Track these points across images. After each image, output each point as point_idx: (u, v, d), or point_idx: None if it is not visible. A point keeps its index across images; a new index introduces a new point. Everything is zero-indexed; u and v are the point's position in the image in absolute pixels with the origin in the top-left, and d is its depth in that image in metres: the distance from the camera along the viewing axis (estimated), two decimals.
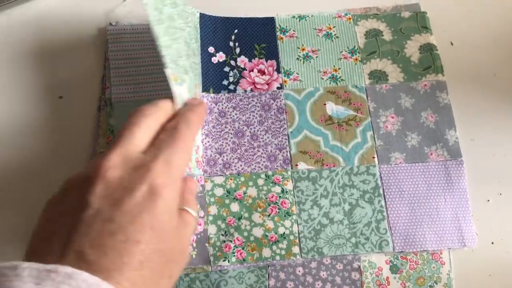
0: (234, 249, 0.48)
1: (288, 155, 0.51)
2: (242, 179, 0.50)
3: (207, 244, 0.47)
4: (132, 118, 0.35)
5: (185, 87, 0.41)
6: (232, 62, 0.55)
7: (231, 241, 0.48)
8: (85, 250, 0.29)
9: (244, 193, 0.50)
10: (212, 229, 0.48)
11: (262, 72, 0.55)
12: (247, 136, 0.52)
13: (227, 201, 0.49)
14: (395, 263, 0.49)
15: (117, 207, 0.30)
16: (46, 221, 0.32)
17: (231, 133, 0.52)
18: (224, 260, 0.47)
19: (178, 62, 0.43)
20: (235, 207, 0.49)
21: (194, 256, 0.46)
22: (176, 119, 0.36)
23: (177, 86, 0.40)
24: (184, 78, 0.42)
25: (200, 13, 0.55)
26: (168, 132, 0.35)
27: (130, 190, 0.31)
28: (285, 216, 0.49)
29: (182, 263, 0.34)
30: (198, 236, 0.47)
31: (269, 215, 0.49)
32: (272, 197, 0.50)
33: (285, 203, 0.50)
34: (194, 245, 0.47)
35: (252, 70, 0.54)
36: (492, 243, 0.50)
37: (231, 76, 0.54)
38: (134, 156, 0.33)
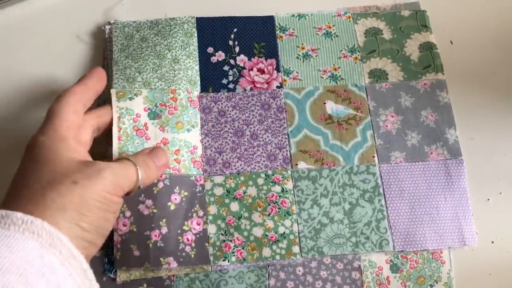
0: (234, 248, 0.47)
1: (288, 154, 0.51)
2: (242, 178, 0.50)
3: (206, 244, 0.47)
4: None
5: (138, 100, 0.49)
6: (232, 61, 0.54)
7: (231, 240, 0.48)
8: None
9: (244, 192, 0.50)
10: (211, 229, 0.48)
11: (261, 71, 0.54)
12: (247, 135, 0.52)
13: (226, 201, 0.49)
14: (395, 262, 0.49)
15: (18, 170, 0.40)
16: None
17: (231, 132, 0.52)
18: (224, 260, 0.47)
19: (136, 79, 0.51)
20: (234, 206, 0.49)
21: (193, 255, 0.46)
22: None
23: (123, 101, 0.49)
24: (138, 92, 0.50)
25: (197, 18, 0.55)
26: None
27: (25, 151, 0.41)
28: (285, 215, 0.49)
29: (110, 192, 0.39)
30: (197, 235, 0.47)
31: (269, 215, 0.49)
32: (272, 196, 0.50)
33: (285, 203, 0.50)
34: (193, 245, 0.47)
35: (252, 69, 0.54)
36: (492, 242, 0.50)
37: (230, 75, 0.54)
38: None
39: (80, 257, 0.34)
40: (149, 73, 0.51)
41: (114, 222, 0.40)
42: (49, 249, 0.32)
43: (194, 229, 0.47)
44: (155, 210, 0.46)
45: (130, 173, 0.41)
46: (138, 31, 0.53)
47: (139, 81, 0.51)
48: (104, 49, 0.54)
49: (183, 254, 0.46)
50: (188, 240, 0.46)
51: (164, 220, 0.46)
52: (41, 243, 0.32)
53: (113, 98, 0.49)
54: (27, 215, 0.32)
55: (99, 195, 0.37)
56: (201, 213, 0.48)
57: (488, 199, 0.51)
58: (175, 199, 0.47)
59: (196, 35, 0.55)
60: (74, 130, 0.42)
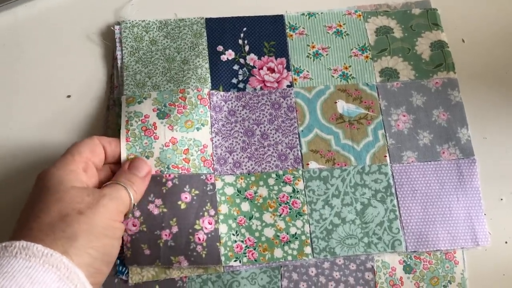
0: (245, 249, 0.47)
1: (299, 154, 0.51)
2: (253, 178, 0.50)
3: (217, 244, 0.47)
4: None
5: (147, 102, 0.49)
6: (241, 60, 0.54)
7: (242, 241, 0.47)
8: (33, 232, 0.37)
9: (255, 192, 0.49)
10: (223, 229, 0.48)
11: (271, 70, 0.54)
12: (257, 135, 0.51)
13: (237, 200, 0.49)
14: (408, 263, 0.48)
15: (28, 201, 0.41)
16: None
17: (241, 132, 0.51)
18: (235, 261, 0.47)
19: (146, 83, 0.51)
20: (245, 206, 0.49)
21: (204, 255, 0.46)
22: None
23: (132, 106, 0.49)
24: (147, 95, 0.50)
25: (206, 19, 0.55)
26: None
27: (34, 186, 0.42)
28: (296, 216, 0.49)
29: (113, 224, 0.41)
30: (209, 235, 0.47)
31: (280, 215, 0.49)
32: (283, 197, 0.49)
33: (296, 203, 0.49)
34: (204, 244, 0.46)
35: (262, 68, 0.54)
36: (506, 242, 0.50)
37: (240, 75, 0.54)
38: None
39: None
40: (158, 77, 0.51)
41: (118, 249, 0.42)
42: (66, 282, 0.33)
43: (206, 228, 0.47)
44: (164, 210, 0.46)
45: (123, 195, 0.43)
46: (147, 32, 0.53)
47: (148, 86, 0.51)
48: (113, 49, 0.54)
49: (194, 253, 0.46)
50: (199, 239, 0.46)
51: (174, 219, 0.46)
52: (60, 276, 0.33)
53: (123, 105, 0.49)
54: (47, 248, 0.34)
55: (104, 222, 0.39)
56: (212, 212, 0.48)
57: (502, 199, 0.51)
58: (186, 197, 0.47)
59: (205, 35, 0.54)
60: (85, 164, 0.43)
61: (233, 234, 0.48)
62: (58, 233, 0.36)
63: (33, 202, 0.39)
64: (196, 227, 0.46)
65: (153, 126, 0.48)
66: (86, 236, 0.37)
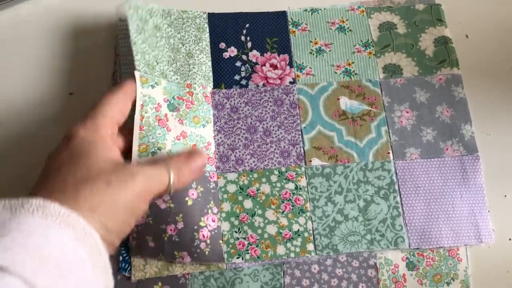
0: (248, 246, 0.47)
1: (302, 151, 0.51)
2: (255, 175, 0.50)
3: (220, 241, 0.47)
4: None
5: (158, 89, 0.48)
6: (244, 57, 0.54)
7: (244, 238, 0.47)
8: (50, 190, 0.36)
9: (257, 189, 0.49)
10: (225, 226, 0.48)
11: (274, 67, 0.54)
12: (260, 131, 0.51)
13: (240, 198, 0.49)
14: (411, 260, 0.48)
15: (60, 158, 0.39)
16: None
17: (244, 129, 0.51)
18: (238, 258, 0.47)
19: (155, 67, 0.49)
20: (248, 203, 0.49)
21: (207, 252, 0.46)
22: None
23: (146, 88, 0.47)
24: (158, 81, 0.48)
25: (209, 13, 0.55)
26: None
27: (61, 144, 0.41)
28: (299, 213, 0.49)
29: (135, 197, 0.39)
30: (212, 232, 0.47)
31: (282, 212, 0.49)
32: (285, 194, 0.49)
33: (298, 200, 0.49)
34: (208, 241, 0.46)
35: (264, 65, 0.54)
36: (510, 239, 0.50)
37: (242, 71, 0.53)
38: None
39: (104, 254, 0.34)
40: (165, 65, 0.50)
41: (133, 227, 0.40)
42: (81, 243, 0.32)
43: (210, 225, 0.47)
44: (172, 205, 0.46)
45: (162, 179, 0.40)
46: (151, 16, 0.51)
47: (157, 71, 0.49)
48: (115, 46, 0.54)
49: (198, 250, 0.46)
50: (204, 236, 0.46)
51: (180, 215, 0.46)
52: (76, 236, 0.32)
53: (138, 83, 0.46)
54: (63, 207, 0.33)
55: (128, 199, 0.37)
56: (215, 210, 0.48)
57: (505, 196, 0.51)
58: (192, 194, 0.47)
59: (208, 30, 0.54)
60: (113, 130, 0.42)
61: (236, 232, 0.48)
62: (80, 200, 0.35)
63: (59, 162, 0.38)
64: (201, 224, 0.46)
65: (165, 117, 0.47)
66: (108, 209, 0.36)
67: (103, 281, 0.34)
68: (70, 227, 0.32)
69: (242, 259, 0.47)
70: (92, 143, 0.39)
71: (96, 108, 0.42)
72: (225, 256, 0.47)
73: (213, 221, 0.47)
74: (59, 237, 0.31)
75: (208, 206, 0.47)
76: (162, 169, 0.40)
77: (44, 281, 0.29)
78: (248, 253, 0.47)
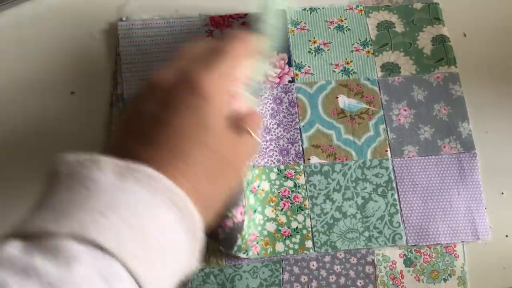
0: (252, 243, 0.48)
1: (300, 149, 0.51)
2: (257, 171, 0.50)
3: (238, 234, 0.45)
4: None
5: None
6: None
7: (251, 234, 0.48)
8: (149, 152, 0.30)
9: (258, 186, 0.50)
10: (246, 220, 0.46)
11: (273, 66, 0.54)
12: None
13: (247, 193, 0.49)
14: (409, 256, 0.49)
15: (168, 109, 0.32)
16: (122, 123, 0.34)
17: None
18: (244, 253, 0.47)
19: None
20: (251, 200, 0.49)
21: (221, 239, 0.45)
22: (225, 43, 0.37)
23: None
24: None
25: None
26: (215, 51, 0.36)
27: (175, 91, 0.32)
28: (297, 210, 0.49)
29: (236, 174, 0.35)
30: (237, 225, 0.45)
31: (281, 210, 0.49)
32: (284, 191, 0.50)
33: (297, 198, 0.50)
34: (227, 230, 0.44)
35: None
36: (507, 236, 0.50)
37: None
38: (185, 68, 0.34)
39: (200, 240, 0.31)
40: None
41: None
42: (184, 226, 0.29)
43: (236, 217, 0.45)
44: None
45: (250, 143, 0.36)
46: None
47: None
48: (116, 45, 0.54)
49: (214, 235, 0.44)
50: (226, 225, 0.44)
51: None
52: (180, 219, 0.28)
53: None
54: (173, 183, 0.28)
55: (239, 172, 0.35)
56: (244, 202, 0.46)
57: (502, 193, 0.51)
58: None
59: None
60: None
61: (249, 227, 0.47)
62: (188, 172, 0.30)
63: (178, 114, 0.31)
64: (229, 214, 0.44)
65: None
66: (217, 189, 0.32)
67: (194, 267, 0.31)
68: (177, 207, 0.28)
69: (247, 254, 0.47)
70: (222, 107, 0.34)
71: (228, 61, 0.35)
72: (236, 248, 0.45)
73: (241, 214, 0.45)
74: (166, 220, 0.28)
75: (240, 198, 0.45)
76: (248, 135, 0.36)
77: (147, 273, 0.26)
78: (251, 249, 0.47)
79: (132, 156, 0.29)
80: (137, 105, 0.33)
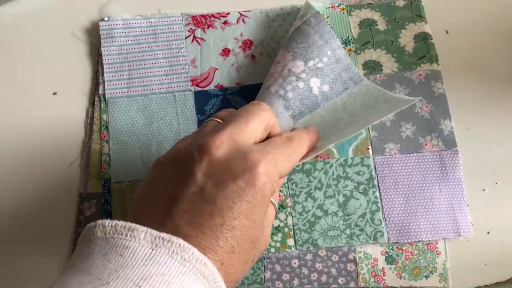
0: None
1: None
2: None
3: None
4: (249, 108, 0.37)
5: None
6: None
7: None
8: (183, 225, 0.30)
9: None
10: None
11: None
12: None
13: None
14: (390, 254, 0.49)
15: (219, 189, 0.31)
16: (151, 185, 0.34)
17: None
18: None
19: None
20: None
21: None
22: (292, 133, 0.39)
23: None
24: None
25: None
26: (282, 138, 0.38)
27: (235, 175, 0.32)
28: (279, 209, 0.49)
29: (262, 250, 0.36)
30: None
31: None
32: None
33: (279, 196, 0.50)
34: None
35: None
36: (488, 232, 0.50)
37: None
38: (243, 143, 0.34)
39: None
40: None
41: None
42: None
43: None
44: None
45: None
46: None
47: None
48: (98, 46, 0.54)
49: None
50: None
51: None
52: None
53: None
54: (201, 253, 0.29)
55: (266, 237, 0.37)
56: None
57: (484, 190, 0.51)
58: None
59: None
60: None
61: None
62: (220, 242, 0.31)
63: (228, 198, 0.32)
64: None
65: None
66: (244, 252, 0.32)
67: None
68: (205, 278, 0.29)
69: None
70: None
71: (253, 121, 0.36)
72: None
73: None
74: None
75: None
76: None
77: None
78: None
79: (166, 226, 0.30)
80: (185, 168, 0.33)
